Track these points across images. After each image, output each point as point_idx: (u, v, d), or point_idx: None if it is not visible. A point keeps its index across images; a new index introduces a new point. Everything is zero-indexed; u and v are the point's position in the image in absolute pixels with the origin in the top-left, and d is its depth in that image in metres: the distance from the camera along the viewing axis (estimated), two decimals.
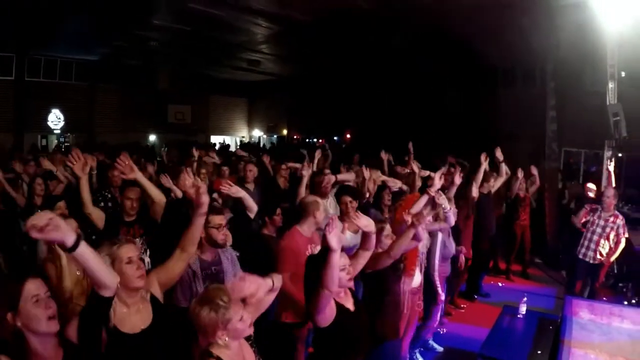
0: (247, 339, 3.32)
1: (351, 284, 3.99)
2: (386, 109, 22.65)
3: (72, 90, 25.78)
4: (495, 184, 9.10)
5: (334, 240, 3.40)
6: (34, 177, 7.79)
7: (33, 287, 2.59)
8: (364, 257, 4.23)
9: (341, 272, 3.74)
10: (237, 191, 5.56)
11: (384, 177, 8.30)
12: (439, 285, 6.60)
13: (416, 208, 5.71)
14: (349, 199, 6.43)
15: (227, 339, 3.05)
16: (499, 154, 9.32)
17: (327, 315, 3.70)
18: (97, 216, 5.44)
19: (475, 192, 8.21)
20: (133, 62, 25.66)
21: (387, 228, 5.09)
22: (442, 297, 6.66)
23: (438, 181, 5.90)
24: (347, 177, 7.94)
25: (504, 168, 9.33)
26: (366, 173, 7.66)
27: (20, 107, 23.65)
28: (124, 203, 5.67)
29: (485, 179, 8.83)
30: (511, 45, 14.84)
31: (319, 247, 5.51)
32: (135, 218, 5.72)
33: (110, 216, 5.71)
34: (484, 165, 8.74)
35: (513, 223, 10.28)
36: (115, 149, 12.83)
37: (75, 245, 2.50)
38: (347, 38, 16.57)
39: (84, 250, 2.56)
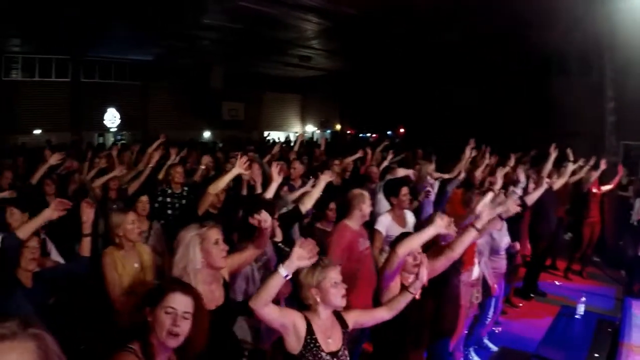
0: (343, 326, 3.42)
1: (415, 270, 3.97)
2: (438, 102, 22.37)
3: (127, 90, 26.53)
4: (558, 181, 8.79)
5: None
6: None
7: (176, 301, 2.68)
8: (448, 258, 4.30)
9: (407, 256, 3.95)
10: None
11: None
12: (487, 276, 6.43)
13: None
14: (406, 190, 6.41)
15: (318, 299, 3.25)
16: (570, 155, 9.12)
17: (392, 289, 3.87)
18: (207, 201, 5.69)
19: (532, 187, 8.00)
20: (186, 61, 26.08)
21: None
22: (496, 288, 6.50)
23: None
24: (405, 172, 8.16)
25: (570, 169, 9.05)
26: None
27: (77, 107, 24.50)
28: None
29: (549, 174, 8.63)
30: (565, 32, 14.43)
31: (367, 241, 5.52)
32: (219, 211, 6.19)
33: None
34: (554, 155, 8.57)
35: (582, 222, 9.94)
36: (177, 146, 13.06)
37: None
38: (398, 31, 16.41)
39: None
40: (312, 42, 20.38)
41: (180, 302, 2.67)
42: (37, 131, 24.00)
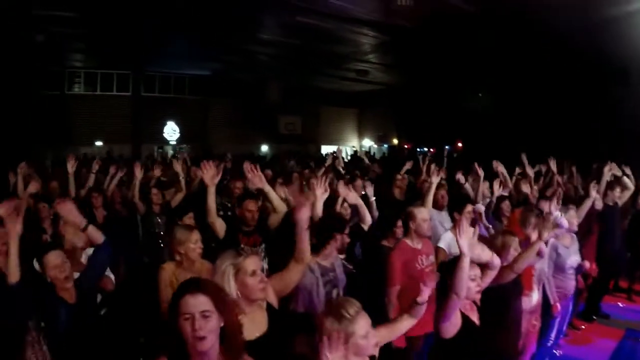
0: None
1: (479, 296, 3.89)
2: (498, 115, 21.95)
3: (186, 104, 27.17)
4: (623, 195, 8.46)
5: (464, 244, 3.44)
6: (150, 187, 8.00)
7: (188, 304, 2.52)
8: (489, 276, 4.08)
9: (471, 282, 3.72)
10: (355, 198, 5.52)
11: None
12: (550, 295, 6.19)
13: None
14: (471, 207, 6.31)
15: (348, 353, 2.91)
16: (615, 170, 8.72)
17: (453, 324, 3.65)
18: (220, 226, 5.52)
19: (598, 204, 7.71)
20: (244, 76, 26.50)
21: (515, 241, 4.82)
22: (558, 308, 6.24)
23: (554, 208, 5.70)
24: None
25: (627, 181, 8.71)
26: (480, 171, 7.76)
27: (137, 120, 25.27)
28: (244, 215, 5.70)
29: (610, 187, 8.32)
30: (624, 40, 14.00)
31: (431, 258, 5.38)
32: (254, 227, 5.77)
33: (230, 225, 5.79)
34: (606, 177, 8.24)
35: (638, 239, 9.53)
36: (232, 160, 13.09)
37: None
38: (455, 43, 16.26)
39: None
40: (369, 56, 20.39)
41: (192, 304, 2.51)
42: (99, 143, 24.78)
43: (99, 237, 4.18)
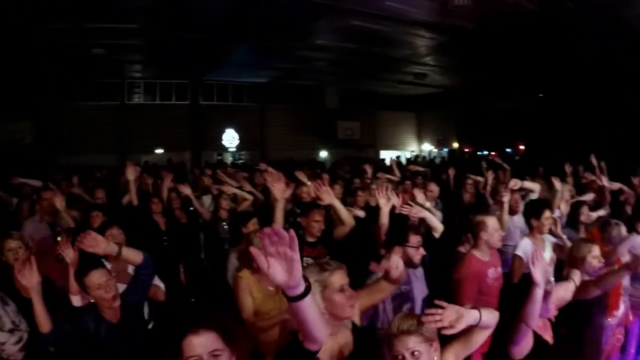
0: None
1: (554, 313, 3.67)
2: (563, 118, 21.35)
3: (245, 111, 27.57)
4: None
5: (537, 274, 3.15)
6: (220, 192, 7.99)
7: (192, 346, 2.30)
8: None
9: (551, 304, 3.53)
10: (418, 211, 5.28)
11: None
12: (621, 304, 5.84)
13: (624, 248, 5.19)
14: (549, 213, 5.88)
15: None
16: None
17: (523, 347, 3.37)
18: None
19: None
20: (301, 82, 26.63)
21: (596, 249, 4.56)
22: (630, 319, 5.87)
23: None
24: (533, 186, 7.42)
25: None
26: (558, 184, 7.11)
27: (196, 127, 25.76)
28: (311, 225, 5.52)
29: None
30: None
31: (498, 269, 5.13)
32: (318, 238, 5.58)
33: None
34: None
35: None
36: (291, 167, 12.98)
37: (304, 293, 2.17)
38: (515, 43, 15.84)
39: (309, 302, 2.21)
40: (426, 59, 20.10)
41: (199, 345, 2.29)
42: (159, 150, 25.23)
43: (137, 257, 4.00)
